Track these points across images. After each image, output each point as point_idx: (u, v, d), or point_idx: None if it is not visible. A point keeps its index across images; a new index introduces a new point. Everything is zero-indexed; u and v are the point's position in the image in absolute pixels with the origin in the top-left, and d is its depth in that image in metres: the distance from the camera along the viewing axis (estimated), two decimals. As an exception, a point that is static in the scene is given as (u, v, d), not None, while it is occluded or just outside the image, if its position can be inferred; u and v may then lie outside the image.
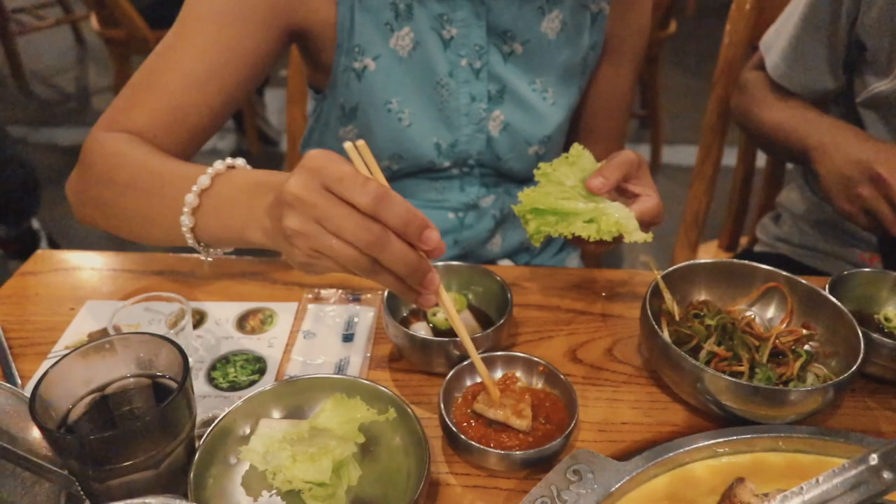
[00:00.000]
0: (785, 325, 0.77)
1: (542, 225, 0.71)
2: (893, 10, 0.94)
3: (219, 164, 0.69)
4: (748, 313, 0.78)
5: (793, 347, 0.72)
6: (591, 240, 0.71)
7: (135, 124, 0.81)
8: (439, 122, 0.98)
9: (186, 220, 0.69)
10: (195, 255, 0.92)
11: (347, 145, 0.56)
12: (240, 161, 0.71)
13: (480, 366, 0.65)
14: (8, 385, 0.65)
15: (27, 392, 0.66)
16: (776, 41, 1.10)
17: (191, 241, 0.72)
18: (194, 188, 0.68)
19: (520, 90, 0.99)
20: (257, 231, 0.64)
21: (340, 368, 0.76)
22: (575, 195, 0.73)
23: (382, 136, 0.97)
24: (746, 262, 0.80)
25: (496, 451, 0.61)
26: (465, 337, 0.64)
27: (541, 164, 0.74)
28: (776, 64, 1.10)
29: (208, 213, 0.69)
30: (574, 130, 1.12)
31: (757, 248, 1.26)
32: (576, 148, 0.75)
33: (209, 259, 0.75)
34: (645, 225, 0.75)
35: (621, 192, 0.77)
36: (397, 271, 0.55)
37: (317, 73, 0.99)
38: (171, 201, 0.70)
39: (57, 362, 0.56)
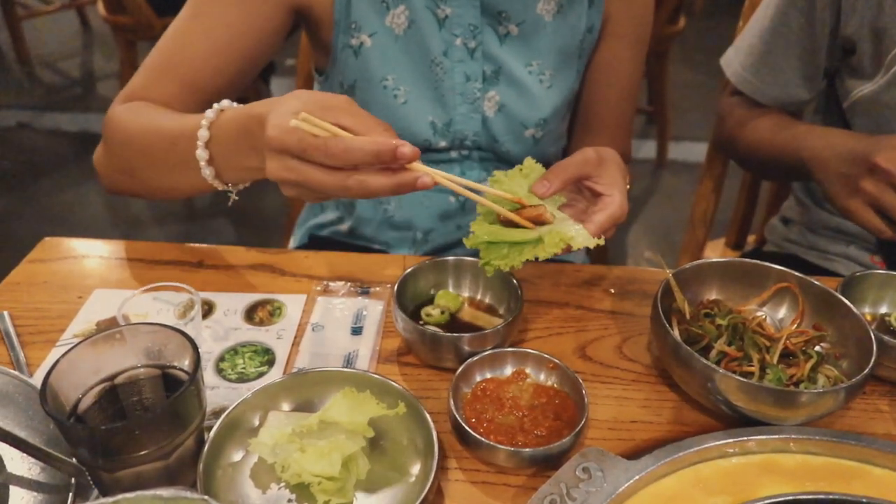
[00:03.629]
0: (796, 325, 0.76)
1: (495, 258, 0.70)
2: (873, 15, 0.94)
3: (210, 114, 0.74)
4: (759, 313, 0.78)
5: (804, 348, 0.72)
6: (541, 259, 0.69)
7: (151, 99, 0.88)
8: (434, 101, 0.98)
9: (207, 172, 0.75)
10: (204, 246, 0.93)
11: (294, 123, 0.61)
12: (225, 102, 0.76)
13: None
14: (17, 373, 0.65)
15: (36, 380, 0.67)
16: (740, 56, 1.10)
17: (220, 187, 0.77)
18: (199, 143, 0.74)
19: (515, 71, 0.98)
20: (259, 170, 0.69)
21: (349, 361, 0.75)
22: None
23: (378, 114, 0.96)
24: (758, 261, 0.80)
25: (505, 447, 0.61)
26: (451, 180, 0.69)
27: (495, 172, 0.75)
28: (744, 78, 1.09)
29: (220, 161, 0.74)
30: (576, 120, 1.11)
31: (767, 248, 1.25)
32: (529, 161, 0.77)
33: (236, 197, 0.80)
34: (608, 229, 0.73)
35: (582, 191, 0.77)
36: (379, 190, 0.63)
37: (319, 54, 1.00)
38: (186, 155, 0.75)
39: (67, 352, 0.56)
